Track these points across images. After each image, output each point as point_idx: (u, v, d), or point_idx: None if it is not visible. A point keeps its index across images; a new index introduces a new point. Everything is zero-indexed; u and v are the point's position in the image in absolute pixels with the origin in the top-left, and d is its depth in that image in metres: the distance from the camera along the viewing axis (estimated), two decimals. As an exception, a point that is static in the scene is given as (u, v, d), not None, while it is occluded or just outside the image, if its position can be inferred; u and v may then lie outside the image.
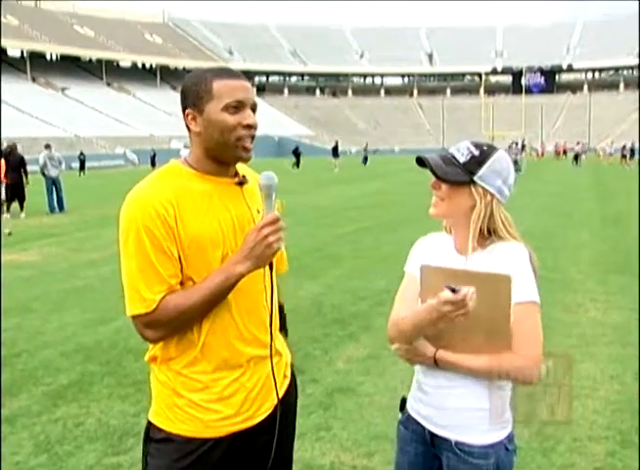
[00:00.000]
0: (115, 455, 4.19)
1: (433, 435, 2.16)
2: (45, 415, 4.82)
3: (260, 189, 2.01)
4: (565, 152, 60.37)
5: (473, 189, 2.05)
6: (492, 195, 2.06)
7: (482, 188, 2.05)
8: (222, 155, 2.05)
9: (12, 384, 5.42)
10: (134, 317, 2.00)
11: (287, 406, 2.23)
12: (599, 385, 5.18)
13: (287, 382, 2.28)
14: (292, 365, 2.35)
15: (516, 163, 34.02)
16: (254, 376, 2.10)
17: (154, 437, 2.10)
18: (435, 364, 2.07)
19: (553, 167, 43.50)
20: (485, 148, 2.09)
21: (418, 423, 2.21)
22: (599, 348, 6.10)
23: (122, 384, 5.36)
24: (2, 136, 29.25)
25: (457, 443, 2.09)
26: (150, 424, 2.13)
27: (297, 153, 45.64)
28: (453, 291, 1.84)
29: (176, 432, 2.05)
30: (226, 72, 2.05)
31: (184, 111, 2.06)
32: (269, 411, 2.13)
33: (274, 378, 2.11)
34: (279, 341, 2.26)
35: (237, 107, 2.00)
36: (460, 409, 2.09)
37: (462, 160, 2.07)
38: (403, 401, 2.33)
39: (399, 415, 2.33)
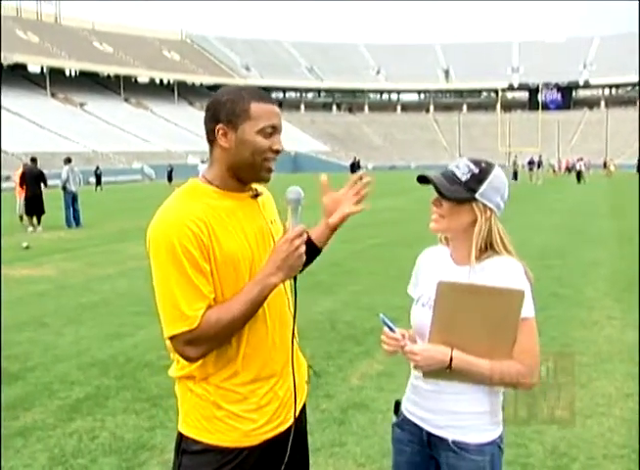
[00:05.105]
0: (130, 469, 4.21)
1: (430, 435, 2.24)
2: (60, 428, 4.84)
3: (288, 203, 2.07)
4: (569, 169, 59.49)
5: (474, 205, 2.16)
6: (492, 210, 2.17)
7: (483, 204, 2.15)
8: (246, 174, 2.10)
9: (25, 397, 5.44)
10: (175, 337, 1.99)
11: (304, 411, 2.32)
12: (614, 403, 5.14)
13: (307, 388, 2.34)
14: (308, 367, 2.40)
15: None
16: (285, 384, 2.16)
17: (188, 449, 2.11)
18: (449, 367, 2.08)
19: (565, 185, 43.20)
20: (484, 165, 2.19)
21: (414, 424, 2.29)
22: (614, 365, 6.06)
23: (138, 398, 5.38)
24: (21, 151, 29.53)
25: (454, 441, 2.18)
26: (182, 436, 2.14)
27: (354, 167, 46.28)
28: None
29: (215, 443, 2.08)
30: (263, 96, 2.10)
31: (214, 124, 2.07)
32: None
33: (294, 384, 2.16)
34: (298, 346, 2.30)
35: (271, 132, 2.07)
36: (457, 413, 2.18)
37: (463, 178, 2.16)
38: (397, 405, 2.40)
39: (394, 418, 2.40)
